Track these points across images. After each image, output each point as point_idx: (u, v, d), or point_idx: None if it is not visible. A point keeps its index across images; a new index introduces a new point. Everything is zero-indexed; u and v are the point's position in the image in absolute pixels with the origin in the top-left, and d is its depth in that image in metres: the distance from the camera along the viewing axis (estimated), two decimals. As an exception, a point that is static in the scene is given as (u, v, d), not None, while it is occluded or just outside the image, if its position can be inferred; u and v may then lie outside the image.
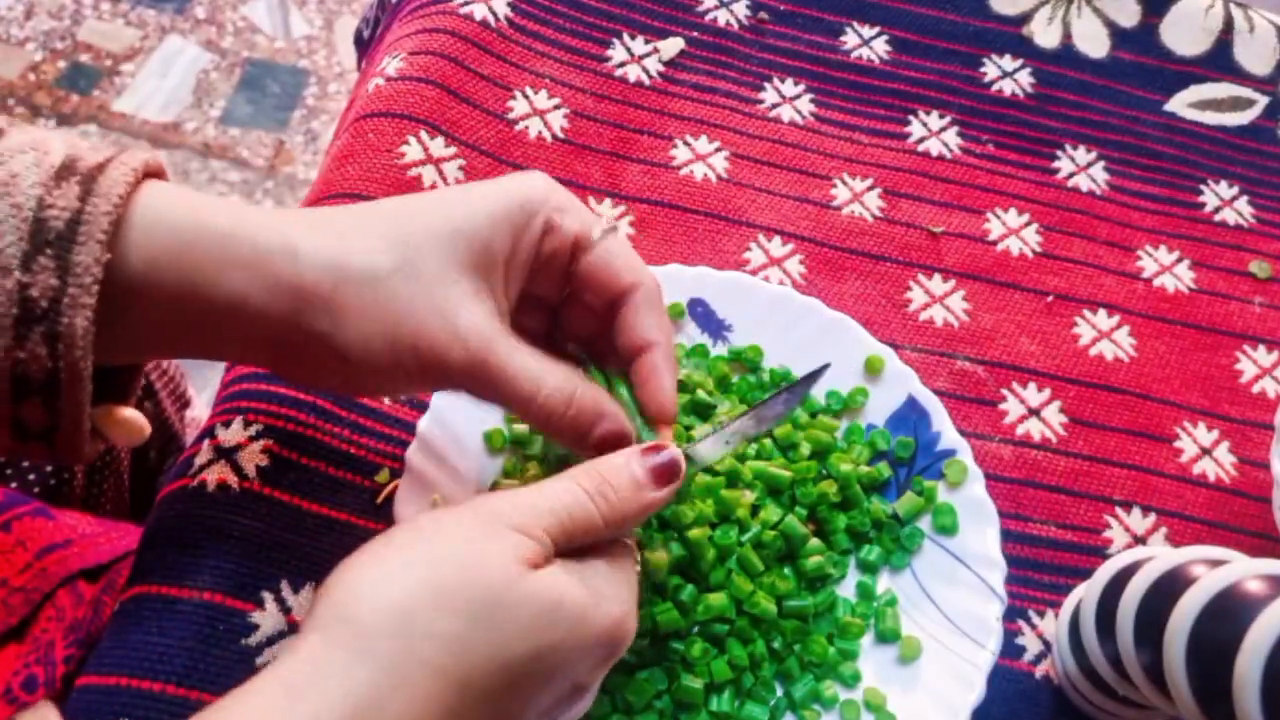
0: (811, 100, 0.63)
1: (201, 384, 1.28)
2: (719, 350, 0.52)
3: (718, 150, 0.60)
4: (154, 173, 0.38)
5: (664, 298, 0.46)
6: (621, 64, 0.62)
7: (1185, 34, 0.69)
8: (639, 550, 0.38)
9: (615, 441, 0.38)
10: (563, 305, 0.43)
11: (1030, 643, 0.49)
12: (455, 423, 0.48)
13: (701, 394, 0.49)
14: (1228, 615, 0.36)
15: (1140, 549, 0.46)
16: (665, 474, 0.37)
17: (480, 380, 0.37)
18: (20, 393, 0.35)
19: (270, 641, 0.44)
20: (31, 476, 0.60)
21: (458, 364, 0.36)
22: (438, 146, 0.57)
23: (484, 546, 0.32)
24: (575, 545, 0.35)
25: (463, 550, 0.32)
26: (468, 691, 0.31)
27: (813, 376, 0.43)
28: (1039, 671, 0.49)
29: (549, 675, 0.33)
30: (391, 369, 0.37)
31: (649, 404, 0.39)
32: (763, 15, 0.66)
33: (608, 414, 0.38)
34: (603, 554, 0.36)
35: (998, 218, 0.61)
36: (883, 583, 0.48)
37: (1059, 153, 0.63)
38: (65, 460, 0.38)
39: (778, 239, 0.58)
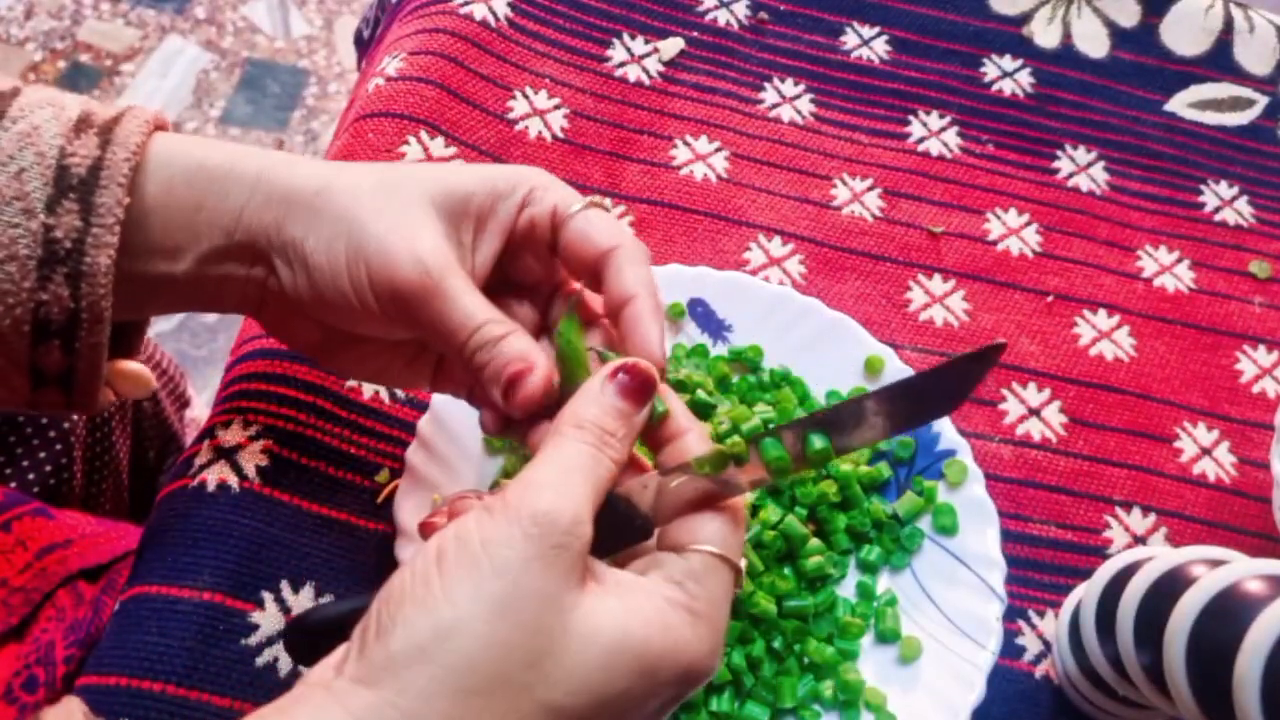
0: (811, 100, 0.63)
1: (201, 384, 1.28)
2: (719, 350, 0.52)
3: (718, 150, 0.60)
4: (160, 125, 0.40)
5: (663, 295, 0.45)
6: (621, 64, 0.62)
7: (1185, 34, 0.69)
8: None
9: (520, 379, 0.37)
10: (554, 297, 0.43)
11: (1030, 643, 0.49)
12: (455, 423, 0.48)
13: (701, 394, 0.49)
14: (1228, 615, 0.36)
15: (1140, 549, 0.46)
16: (643, 393, 0.35)
17: (426, 301, 0.37)
18: (40, 336, 0.36)
19: (270, 641, 0.44)
20: (31, 476, 0.60)
21: (408, 279, 0.37)
22: (438, 146, 0.57)
23: (542, 587, 0.30)
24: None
25: (519, 598, 0.30)
26: None
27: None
28: (1039, 671, 0.49)
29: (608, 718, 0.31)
30: (348, 281, 0.37)
31: (633, 338, 0.38)
32: (763, 15, 0.66)
33: (531, 360, 0.37)
34: (690, 576, 0.33)
35: (998, 218, 0.61)
36: (883, 583, 0.48)
37: (1059, 153, 0.63)
38: (79, 407, 0.39)
39: (778, 239, 0.58)
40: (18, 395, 0.38)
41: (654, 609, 0.32)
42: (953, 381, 0.35)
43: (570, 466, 0.32)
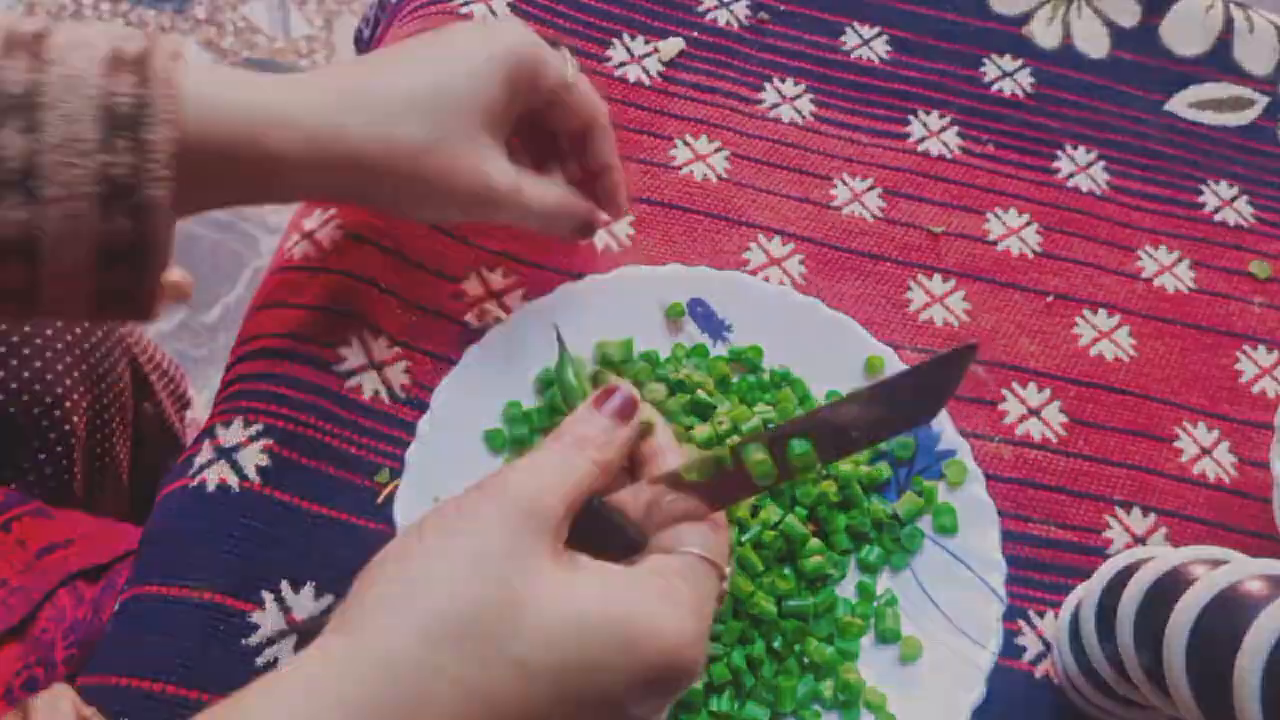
0: (811, 100, 0.63)
1: (201, 384, 1.28)
2: (719, 350, 0.52)
3: (718, 150, 0.60)
4: (179, 51, 0.42)
5: (663, 295, 0.50)
6: (621, 64, 0.62)
7: (1185, 34, 0.69)
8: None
9: (591, 219, 0.50)
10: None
11: (1030, 643, 0.49)
12: (455, 423, 0.48)
13: (702, 394, 0.49)
14: (1228, 615, 0.36)
15: (1140, 549, 0.46)
16: (625, 412, 0.38)
17: (509, 205, 0.46)
18: (106, 263, 0.39)
19: (270, 641, 0.44)
20: (32, 477, 0.60)
21: (496, 197, 0.45)
22: (438, 146, 0.57)
23: (510, 546, 0.32)
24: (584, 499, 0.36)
25: (488, 555, 0.32)
26: (493, 707, 0.30)
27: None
28: (1039, 671, 0.49)
29: (580, 697, 0.31)
30: (439, 205, 0.46)
31: (608, 205, 0.51)
32: (763, 15, 0.66)
33: (589, 206, 0.50)
34: (675, 572, 0.34)
35: (998, 218, 0.61)
36: (883, 583, 0.48)
37: (1059, 153, 0.63)
38: (137, 319, 0.42)
39: (778, 239, 0.58)
40: (80, 313, 0.41)
41: (638, 588, 0.33)
42: (931, 384, 0.35)
43: (544, 461, 0.36)
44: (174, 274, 0.46)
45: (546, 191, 0.48)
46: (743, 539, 0.45)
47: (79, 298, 0.40)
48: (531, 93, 0.47)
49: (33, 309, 0.40)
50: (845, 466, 0.48)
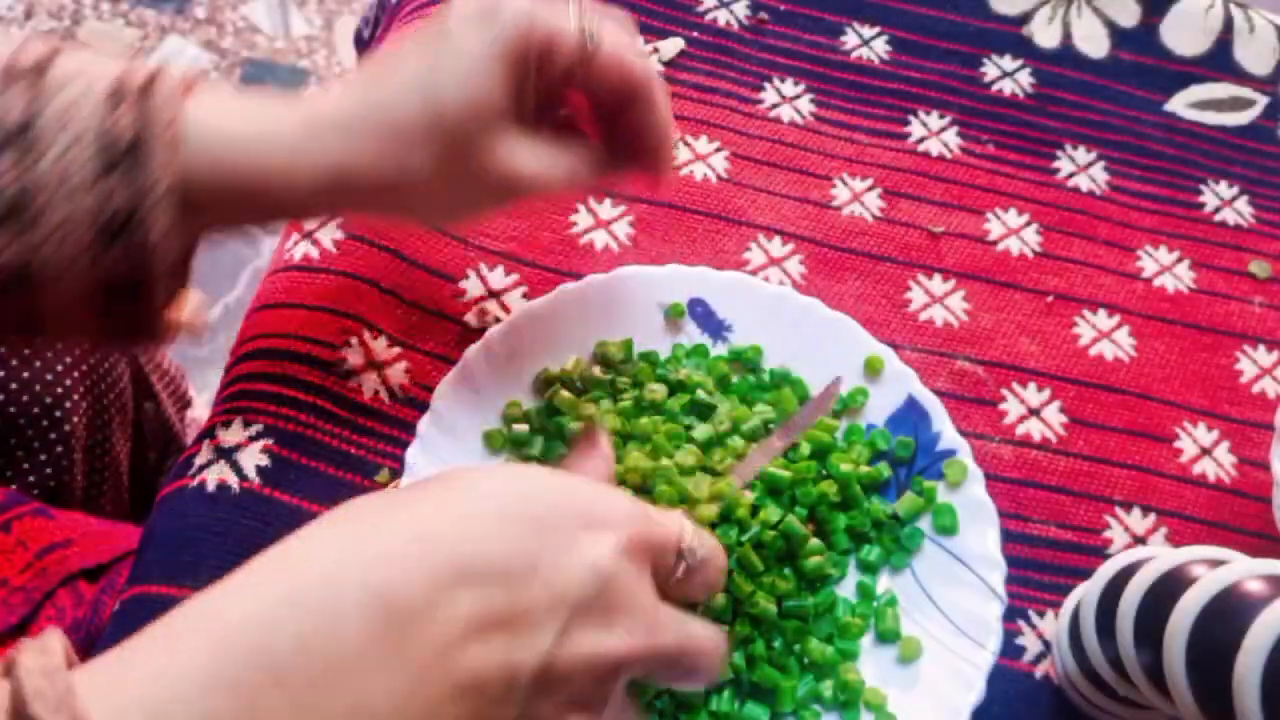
0: (811, 100, 0.63)
1: (201, 384, 1.28)
2: (719, 350, 0.52)
3: (718, 150, 0.60)
4: (192, 83, 0.41)
5: (663, 295, 0.50)
6: (621, 64, 0.62)
7: (1185, 34, 0.69)
8: None
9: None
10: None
11: (1030, 643, 0.49)
12: (455, 423, 0.48)
13: (701, 394, 0.49)
14: (1228, 615, 0.36)
15: (1140, 549, 0.46)
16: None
17: (537, 189, 0.44)
18: (106, 296, 0.38)
19: (270, 641, 0.44)
20: (32, 478, 0.60)
21: (524, 186, 0.43)
22: (438, 146, 0.57)
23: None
24: None
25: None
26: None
27: (831, 390, 0.47)
28: (1039, 671, 0.49)
29: (541, 543, 0.33)
30: (469, 207, 0.45)
31: (647, 163, 0.46)
32: (763, 15, 0.66)
33: (595, 182, 0.47)
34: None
35: (998, 218, 0.61)
36: (883, 583, 0.48)
37: (1059, 153, 0.63)
38: (147, 341, 0.42)
39: (778, 239, 0.58)
40: (87, 341, 0.43)
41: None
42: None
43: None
44: (188, 308, 0.44)
45: (556, 163, 0.44)
46: (743, 539, 0.45)
47: (83, 328, 0.40)
48: (546, 70, 0.42)
49: (37, 337, 0.40)
50: (845, 466, 0.48)
